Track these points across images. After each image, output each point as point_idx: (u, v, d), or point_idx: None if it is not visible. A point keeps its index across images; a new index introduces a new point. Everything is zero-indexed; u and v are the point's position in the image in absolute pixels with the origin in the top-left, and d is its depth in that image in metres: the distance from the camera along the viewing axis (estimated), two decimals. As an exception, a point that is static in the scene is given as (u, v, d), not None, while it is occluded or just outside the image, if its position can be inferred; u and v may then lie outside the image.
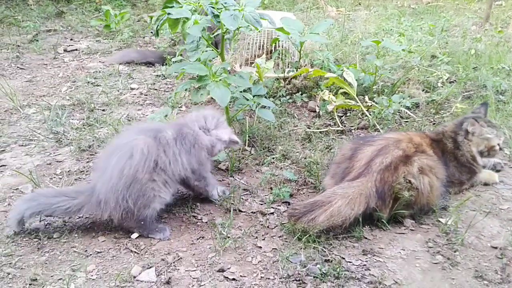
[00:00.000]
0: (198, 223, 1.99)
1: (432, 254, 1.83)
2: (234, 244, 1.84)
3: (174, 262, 1.73)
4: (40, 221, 1.96)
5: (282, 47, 3.41)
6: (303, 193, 2.25)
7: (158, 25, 3.18)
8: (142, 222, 1.83)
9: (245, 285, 1.63)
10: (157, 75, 4.01)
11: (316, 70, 3.01)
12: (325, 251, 1.80)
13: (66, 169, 2.43)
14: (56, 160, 2.52)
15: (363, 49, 4.16)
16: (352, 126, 2.93)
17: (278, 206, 2.14)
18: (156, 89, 3.66)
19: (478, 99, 3.27)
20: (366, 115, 2.96)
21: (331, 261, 1.74)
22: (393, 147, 2.08)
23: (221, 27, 2.46)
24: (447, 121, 2.75)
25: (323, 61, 3.20)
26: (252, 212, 2.08)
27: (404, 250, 1.84)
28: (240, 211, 2.08)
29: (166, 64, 4.13)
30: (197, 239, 1.88)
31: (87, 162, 2.50)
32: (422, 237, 1.93)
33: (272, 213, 2.07)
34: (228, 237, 1.87)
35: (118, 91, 3.57)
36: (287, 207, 2.10)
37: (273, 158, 2.52)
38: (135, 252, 1.80)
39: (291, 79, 3.36)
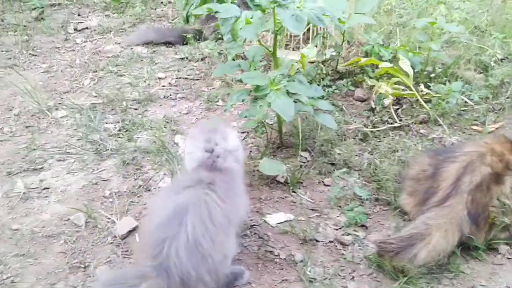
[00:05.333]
0: (276, 260, 1.83)
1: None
2: (323, 288, 1.69)
3: (265, 317, 1.59)
4: None
5: (325, 29, 3.13)
6: (377, 212, 2.09)
7: (188, 12, 2.88)
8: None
9: None
10: (180, 58, 3.71)
11: (370, 59, 2.75)
12: (425, 293, 1.66)
13: (114, 189, 2.23)
14: (101, 178, 2.32)
15: (399, 19, 3.87)
16: (409, 121, 2.72)
17: (354, 231, 1.98)
18: (185, 78, 3.39)
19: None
20: (423, 106, 2.75)
21: (434, 305, 1.61)
22: (479, 163, 1.90)
23: (274, 25, 2.20)
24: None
25: (373, 47, 2.93)
26: (329, 241, 1.92)
27: (510, 287, 1.70)
28: (316, 240, 1.92)
29: (186, 43, 3.83)
30: (280, 282, 1.73)
31: (135, 179, 2.30)
32: (523, 268, 1.79)
33: (353, 243, 1.91)
34: (314, 279, 1.73)
35: (145, 81, 3.31)
36: (365, 232, 1.95)
37: (334, 168, 2.34)
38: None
39: (334, 64, 3.11)
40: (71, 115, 2.86)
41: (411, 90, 2.75)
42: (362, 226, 2.00)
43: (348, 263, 1.81)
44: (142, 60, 3.68)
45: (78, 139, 2.62)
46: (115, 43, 3.98)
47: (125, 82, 3.30)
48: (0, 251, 1.88)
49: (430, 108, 2.74)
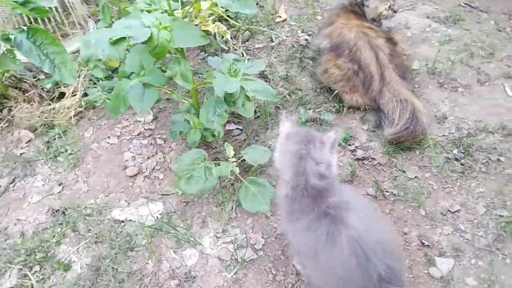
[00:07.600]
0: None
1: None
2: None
3: None
4: None
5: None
6: (337, 119, 2.32)
7: None
8: None
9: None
10: None
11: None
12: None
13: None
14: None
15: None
16: (240, 43, 2.77)
17: (351, 145, 2.18)
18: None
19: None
20: (235, 24, 2.84)
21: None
22: (373, 38, 2.34)
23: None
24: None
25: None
26: (360, 163, 2.10)
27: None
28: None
29: None
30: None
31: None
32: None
33: (367, 153, 2.15)
34: (396, 196, 1.95)
35: None
36: (356, 139, 2.20)
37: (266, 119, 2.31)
38: None
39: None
40: None
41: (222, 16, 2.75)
42: (351, 137, 2.24)
43: (389, 168, 2.08)
44: None
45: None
46: None
47: None
48: None
49: (239, 23, 2.87)
